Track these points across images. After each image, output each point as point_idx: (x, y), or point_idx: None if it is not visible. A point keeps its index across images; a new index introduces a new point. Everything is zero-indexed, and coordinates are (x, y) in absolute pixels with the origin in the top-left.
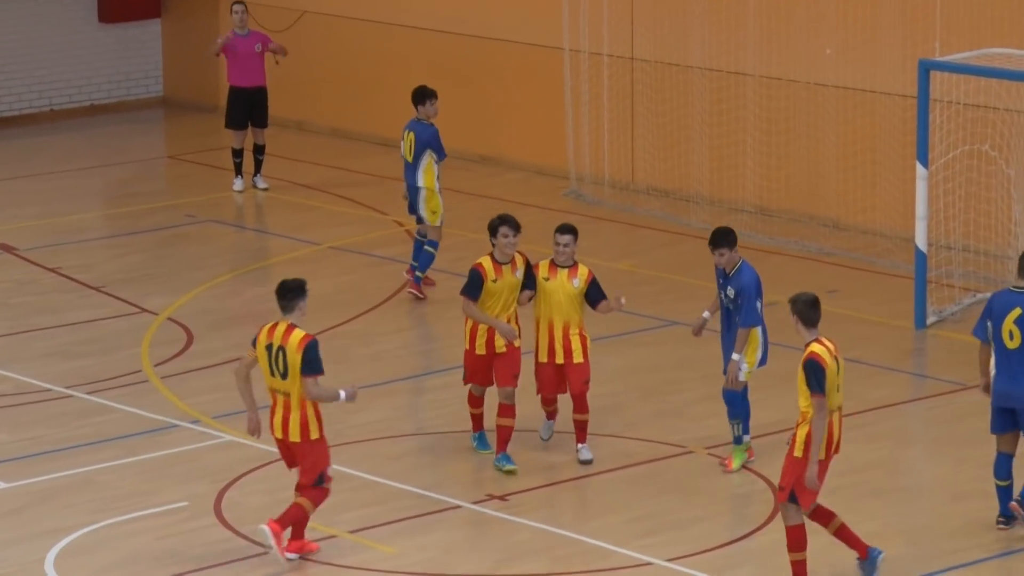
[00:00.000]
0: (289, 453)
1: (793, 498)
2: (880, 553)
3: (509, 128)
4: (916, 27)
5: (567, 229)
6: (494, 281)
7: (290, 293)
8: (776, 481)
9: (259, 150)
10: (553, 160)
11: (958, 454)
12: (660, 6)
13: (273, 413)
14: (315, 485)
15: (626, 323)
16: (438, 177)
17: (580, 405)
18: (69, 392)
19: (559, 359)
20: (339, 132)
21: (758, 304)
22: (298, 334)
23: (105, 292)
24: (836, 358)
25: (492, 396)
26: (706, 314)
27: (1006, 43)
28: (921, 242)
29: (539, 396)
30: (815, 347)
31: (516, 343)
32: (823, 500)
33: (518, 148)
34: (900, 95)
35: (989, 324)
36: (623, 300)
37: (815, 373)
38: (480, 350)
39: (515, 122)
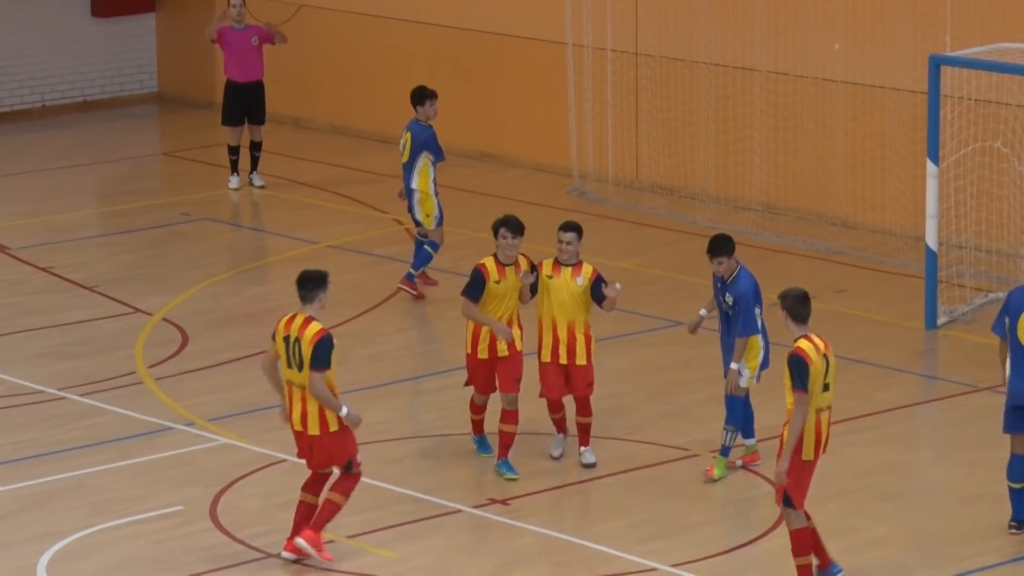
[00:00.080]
0: (308, 446)
1: (788, 500)
2: (840, 571)
3: (511, 124)
4: (927, 21)
5: (571, 227)
6: (497, 282)
7: (310, 283)
8: None
9: (256, 147)
10: (556, 157)
11: (969, 457)
12: (665, 0)
13: (291, 406)
14: (345, 471)
15: (630, 323)
16: (434, 180)
17: (583, 408)
18: (62, 394)
19: (563, 360)
20: (338, 129)
21: (756, 311)
22: (314, 327)
23: (98, 292)
24: (825, 356)
25: (494, 400)
26: (703, 312)
27: (1018, 38)
28: (932, 241)
29: (544, 399)
30: (802, 343)
31: (518, 346)
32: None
33: (520, 145)
34: (910, 91)
35: (1007, 320)
36: (618, 286)
37: (798, 369)
38: (482, 354)
39: (517, 118)
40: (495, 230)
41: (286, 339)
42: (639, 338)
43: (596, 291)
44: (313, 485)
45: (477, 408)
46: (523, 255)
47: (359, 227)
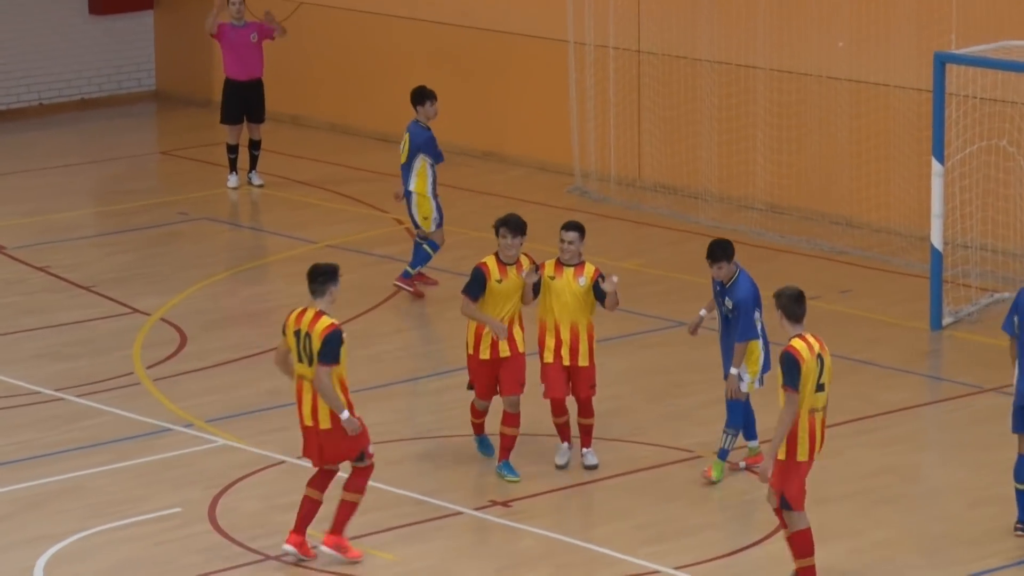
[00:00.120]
0: (318, 442)
1: (785, 503)
2: None
3: (512, 123)
4: (932, 19)
5: (573, 227)
6: (499, 281)
7: (321, 277)
8: None
9: (255, 145)
10: (557, 156)
11: (975, 459)
12: None
13: (301, 401)
14: (357, 463)
15: (632, 324)
16: (433, 182)
17: (585, 409)
18: (59, 395)
19: (565, 362)
20: (337, 127)
21: (756, 315)
22: (324, 321)
23: (96, 292)
24: (820, 356)
25: (495, 402)
26: (703, 312)
27: None
28: (937, 240)
29: (548, 400)
30: (795, 342)
31: (520, 347)
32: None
33: (521, 144)
34: (915, 89)
35: (1015, 319)
36: (615, 279)
37: (789, 367)
38: (484, 354)
39: (518, 117)
40: (496, 229)
41: (296, 333)
42: (641, 339)
43: (599, 290)
44: (319, 481)
45: (478, 413)
46: (525, 254)
47: (359, 226)
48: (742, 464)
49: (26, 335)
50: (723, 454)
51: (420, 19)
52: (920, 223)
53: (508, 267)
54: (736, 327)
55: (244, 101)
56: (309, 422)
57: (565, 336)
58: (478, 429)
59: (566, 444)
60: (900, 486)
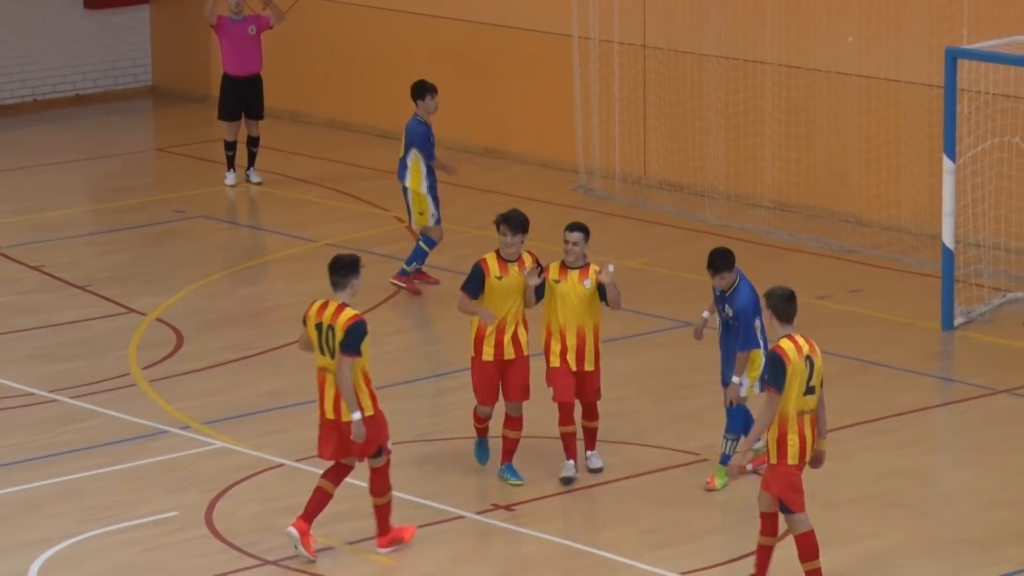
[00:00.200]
0: (339, 437)
1: (785, 507)
2: None
3: (515, 119)
4: (943, 13)
5: (577, 227)
6: (499, 278)
7: (343, 269)
8: None
9: (253, 142)
10: (561, 153)
11: (988, 461)
12: None
13: (323, 394)
14: (373, 459)
15: (637, 324)
16: (428, 176)
17: (590, 412)
18: (53, 396)
19: (572, 367)
20: (337, 123)
21: (756, 322)
22: (348, 313)
23: (91, 291)
24: (810, 358)
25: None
26: (705, 314)
27: None
28: (948, 239)
29: (555, 404)
30: (783, 342)
31: (524, 350)
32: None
33: (524, 140)
34: (926, 84)
35: None
36: (611, 268)
37: (773, 367)
38: (487, 356)
39: (521, 113)
40: (496, 226)
41: (318, 326)
42: (646, 339)
43: (603, 290)
44: (334, 475)
45: (481, 419)
46: (528, 252)
47: (359, 224)
48: (749, 467)
49: (20, 335)
50: (724, 460)
51: (421, 13)
52: (931, 221)
53: (509, 264)
54: (736, 334)
55: (242, 97)
56: (331, 415)
57: (571, 341)
58: (481, 433)
59: (572, 462)
60: (911, 489)
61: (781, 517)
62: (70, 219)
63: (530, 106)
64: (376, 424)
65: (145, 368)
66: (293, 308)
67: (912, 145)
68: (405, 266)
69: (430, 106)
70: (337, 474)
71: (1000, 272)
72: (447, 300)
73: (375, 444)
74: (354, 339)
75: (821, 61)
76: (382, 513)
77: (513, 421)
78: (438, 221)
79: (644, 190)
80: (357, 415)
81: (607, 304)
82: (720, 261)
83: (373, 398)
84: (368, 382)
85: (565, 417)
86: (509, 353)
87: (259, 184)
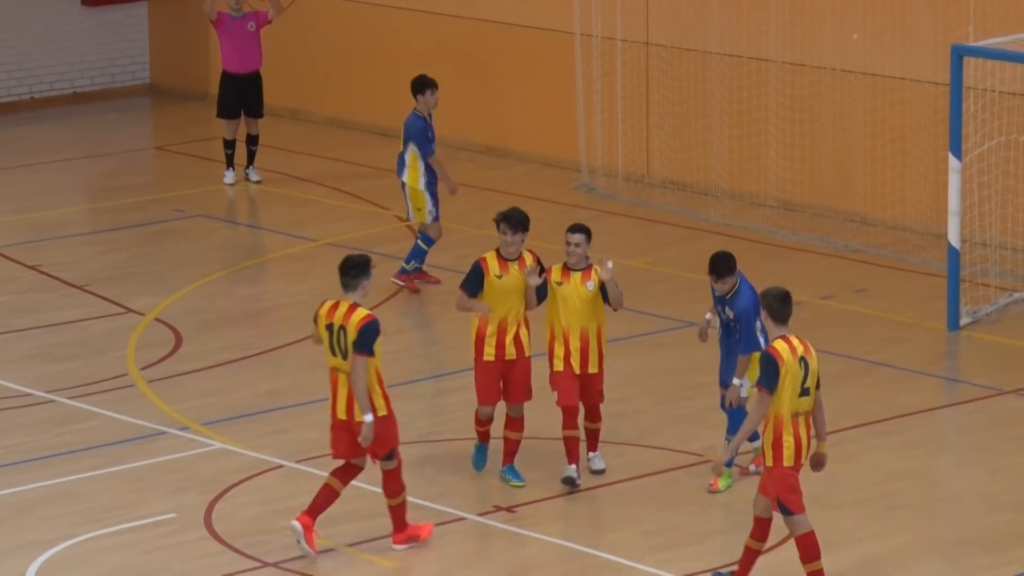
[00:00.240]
0: (350, 438)
1: (785, 509)
2: None
3: (517, 117)
4: (949, 11)
5: (579, 229)
6: (499, 277)
7: (354, 270)
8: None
9: (252, 140)
10: (563, 151)
11: (994, 463)
12: None
13: (335, 395)
14: (385, 461)
15: (640, 324)
16: (426, 172)
17: (593, 414)
18: (51, 397)
19: (576, 370)
20: (337, 121)
21: (757, 324)
22: (360, 312)
23: (89, 291)
24: (804, 360)
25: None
26: (708, 315)
27: None
28: (954, 238)
29: (559, 407)
30: (777, 343)
31: (526, 352)
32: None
33: (526, 138)
34: (932, 82)
35: None
36: (610, 264)
37: (766, 368)
38: (488, 356)
39: (523, 111)
40: (497, 224)
41: (329, 327)
42: (649, 339)
43: (605, 292)
44: (343, 474)
45: (482, 421)
46: (529, 251)
47: (359, 223)
48: (752, 467)
49: (17, 335)
50: (729, 463)
51: (422, 10)
52: (937, 220)
53: (509, 263)
54: (737, 337)
55: (242, 95)
56: (343, 416)
57: (575, 344)
58: (482, 437)
59: (574, 466)
60: (916, 491)
61: (773, 524)
62: (68, 218)
63: (532, 104)
64: (388, 425)
65: (143, 368)
66: (293, 308)
67: (918, 143)
68: (404, 265)
69: (430, 101)
70: (346, 473)
71: (1007, 272)
72: (447, 300)
73: (388, 446)
74: (367, 339)
75: (826, 59)
76: (397, 512)
77: (514, 422)
78: (436, 218)
79: (647, 189)
80: (369, 417)
81: (609, 305)
82: (722, 266)
83: (386, 398)
84: (381, 382)
85: (569, 421)
86: (511, 353)
87: (258, 183)
